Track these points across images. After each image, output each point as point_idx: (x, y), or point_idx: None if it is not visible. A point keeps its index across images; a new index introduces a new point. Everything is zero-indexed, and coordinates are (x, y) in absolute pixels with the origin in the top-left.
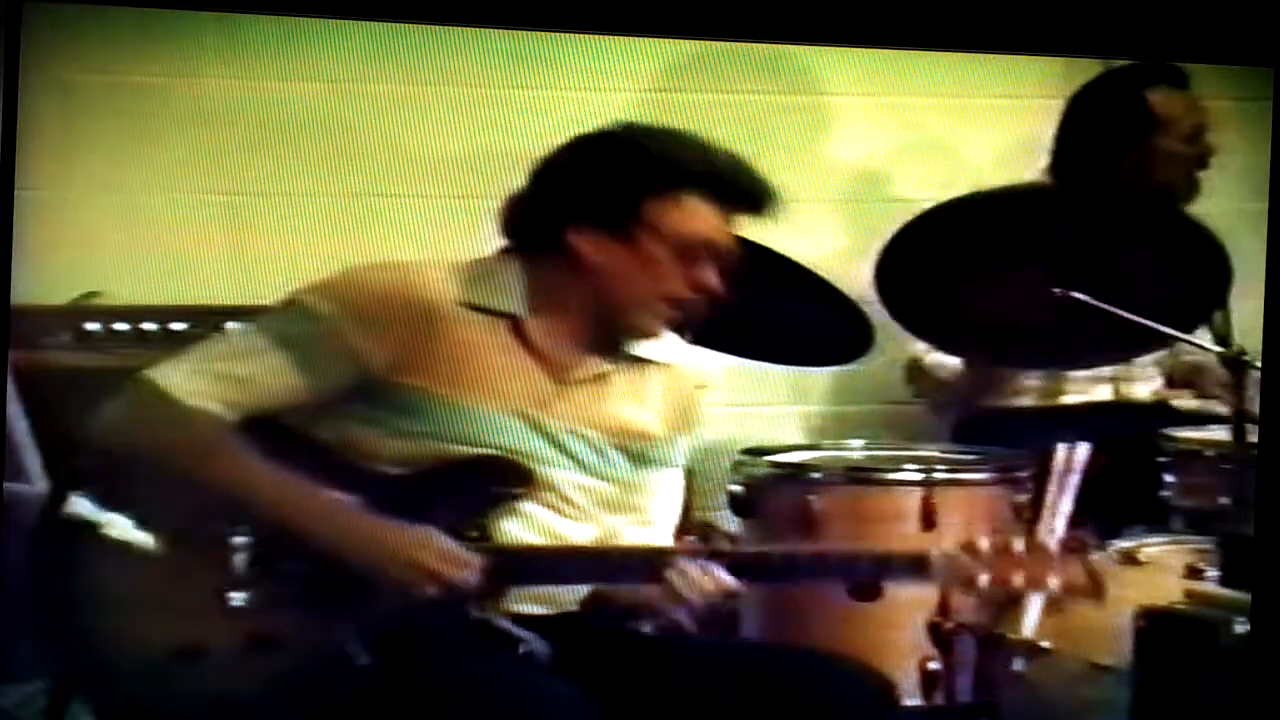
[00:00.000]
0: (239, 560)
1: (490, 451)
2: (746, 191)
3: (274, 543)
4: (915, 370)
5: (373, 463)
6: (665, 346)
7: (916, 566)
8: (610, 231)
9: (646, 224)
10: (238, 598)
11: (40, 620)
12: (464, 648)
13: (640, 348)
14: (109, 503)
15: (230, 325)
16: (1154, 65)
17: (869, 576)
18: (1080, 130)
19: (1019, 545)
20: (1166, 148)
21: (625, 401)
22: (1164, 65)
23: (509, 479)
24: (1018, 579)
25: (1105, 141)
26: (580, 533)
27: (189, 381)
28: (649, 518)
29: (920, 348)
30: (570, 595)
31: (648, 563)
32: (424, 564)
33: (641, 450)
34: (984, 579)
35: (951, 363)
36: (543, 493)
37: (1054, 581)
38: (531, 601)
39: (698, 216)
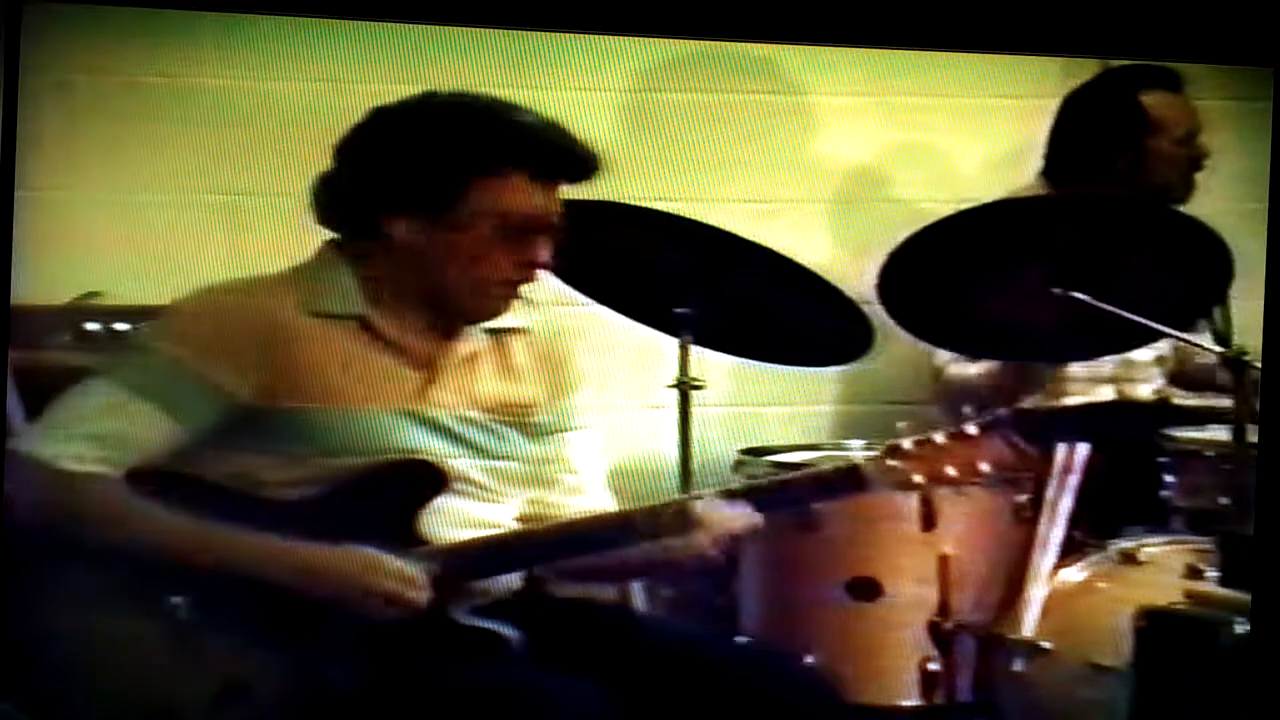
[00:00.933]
0: (182, 612)
1: (395, 455)
2: (565, 160)
3: (212, 588)
4: (940, 381)
5: (273, 491)
6: (520, 314)
7: (852, 479)
8: (429, 216)
9: (465, 207)
10: (194, 651)
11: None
12: (442, 651)
13: (496, 320)
14: (47, 571)
15: (89, 381)
16: (1148, 67)
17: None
18: (1074, 132)
19: (941, 438)
20: (1160, 150)
21: (499, 377)
22: (1158, 67)
23: (424, 478)
24: (949, 469)
25: (1099, 143)
26: (503, 514)
27: (65, 447)
28: (573, 484)
29: (943, 358)
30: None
31: (653, 521)
32: (374, 586)
33: (532, 421)
34: (918, 477)
35: (974, 371)
36: (455, 484)
37: (985, 465)
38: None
39: (518, 193)
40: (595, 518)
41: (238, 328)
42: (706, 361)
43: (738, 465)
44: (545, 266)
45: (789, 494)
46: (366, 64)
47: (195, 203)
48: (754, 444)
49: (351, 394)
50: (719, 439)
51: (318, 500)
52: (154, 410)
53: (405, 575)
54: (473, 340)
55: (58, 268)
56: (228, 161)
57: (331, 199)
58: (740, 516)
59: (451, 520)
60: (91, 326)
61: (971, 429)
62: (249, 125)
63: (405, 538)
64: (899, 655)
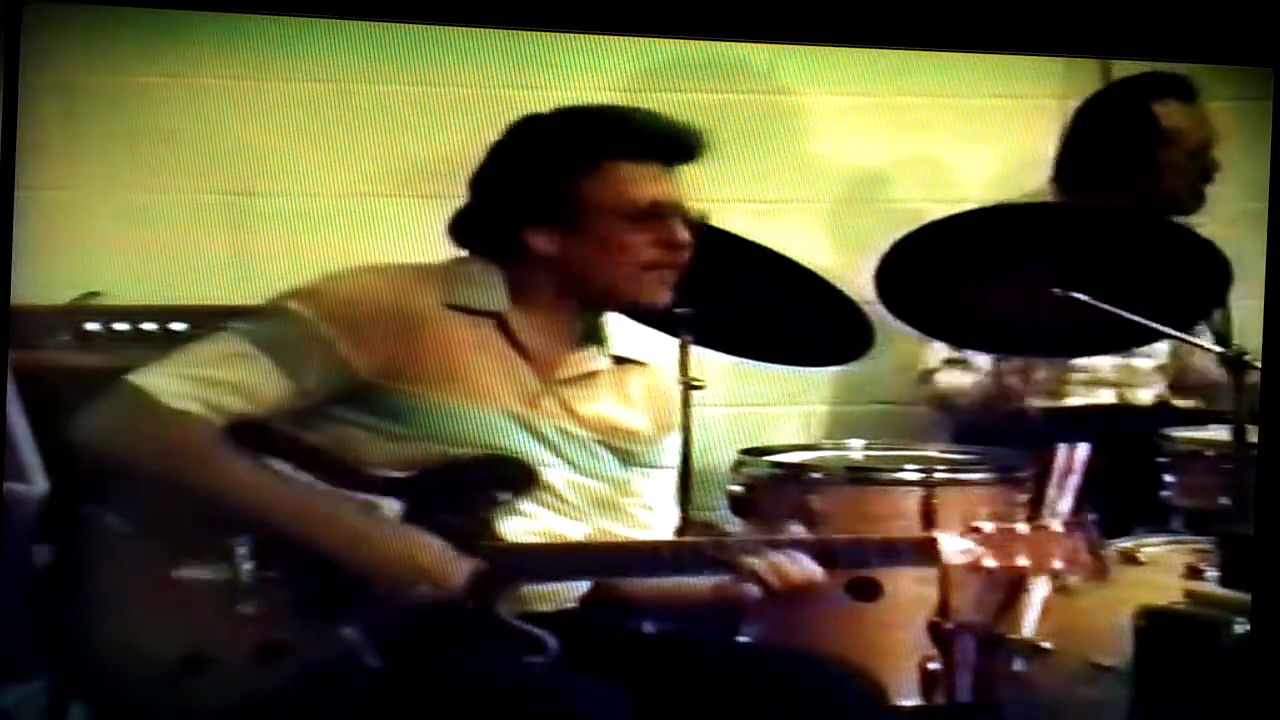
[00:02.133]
0: (241, 566)
1: (493, 451)
2: (669, 140)
3: (272, 547)
4: (929, 383)
5: (369, 466)
6: (646, 347)
7: (926, 553)
8: (560, 223)
9: (589, 205)
10: (242, 605)
11: (40, 624)
12: (475, 646)
13: (623, 348)
14: (110, 508)
15: (215, 329)
16: (1163, 76)
17: (898, 562)
18: (1086, 140)
19: (1022, 527)
20: (1172, 161)
21: (612, 400)
22: (1173, 77)
23: (512, 478)
24: (1022, 560)
25: (1111, 152)
26: (574, 530)
27: (174, 385)
28: (640, 520)
29: (933, 360)
30: (570, 592)
31: (712, 552)
32: (415, 566)
33: (629, 449)
34: (989, 561)
35: (968, 381)
36: (538, 491)
37: (1058, 562)
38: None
39: (632, 180)
40: (659, 542)
41: (375, 307)
42: (706, 361)
43: (738, 465)
44: (686, 245)
45: (858, 553)
46: (366, 64)
47: (195, 203)
48: (754, 444)
49: (468, 387)
50: (719, 439)
51: (407, 481)
52: (274, 367)
53: (450, 561)
54: (596, 360)
55: (58, 268)
56: (228, 161)
57: (470, 229)
58: (804, 568)
59: (526, 526)
60: (91, 326)
61: (1056, 525)
62: (249, 125)
63: (479, 531)
64: (899, 655)
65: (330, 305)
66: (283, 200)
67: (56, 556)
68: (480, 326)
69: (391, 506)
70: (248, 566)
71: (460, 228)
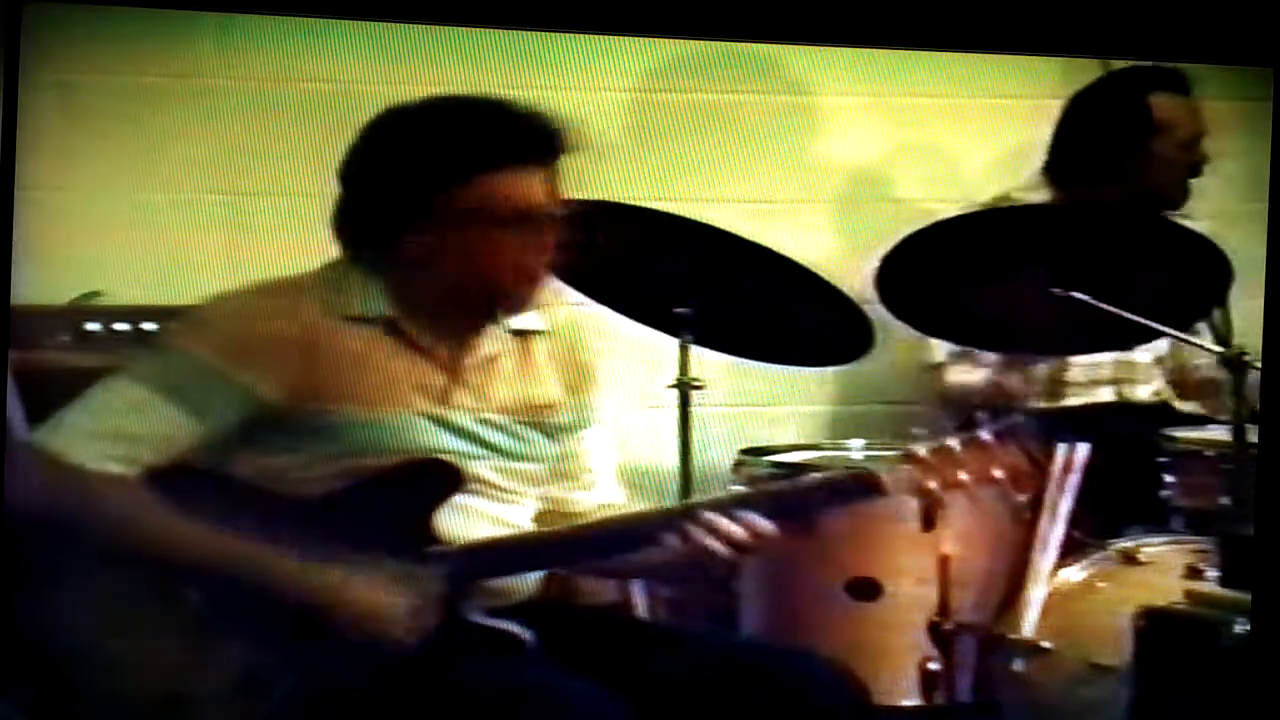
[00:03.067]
0: (198, 606)
1: (414, 455)
2: (539, 141)
3: (226, 589)
4: (939, 384)
5: (295, 489)
6: (540, 314)
7: (866, 486)
8: (434, 227)
9: (462, 212)
10: (212, 641)
11: (16, 659)
12: (453, 651)
13: (519, 321)
14: (61, 557)
15: (110, 379)
16: (1157, 69)
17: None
18: (1078, 130)
19: (955, 444)
20: (1163, 153)
21: (521, 377)
22: (1167, 70)
23: (440, 479)
24: (964, 475)
25: (1102, 143)
26: (520, 514)
27: (84, 445)
28: (587, 480)
29: (939, 355)
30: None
31: (662, 525)
32: (362, 622)
33: (551, 422)
34: (932, 484)
35: (978, 378)
36: (473, 484)
37: (999, 471)
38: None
39: (504, 188)
40: (607, 521)
41: (265, 329)
42: (706, 361)
43: (738, 465)
44: (551, 247)
45: (801, 500)
46: (367, 64)
47: (195, 203)
48: (754, 444)
49: (376, 395)
50: (719, 439)
51: (337, 497)
52: (178, 410)
53: (416, 599)
54: (495, 342)
55: (58, 268)
56: (228, 161)
57: (345, 225)
58: (751, 524)
59: (469, 520)
60: (91, 326)
61: (986, 435)
62: (249, 125)
63: (421, 536)
64: (899, 655)
65: (219, 337)
66: (283, 200)
67: (19, 599)
68: (373, 332)
69: (336, 523)
70: (199, 606)
71: (338, 223)
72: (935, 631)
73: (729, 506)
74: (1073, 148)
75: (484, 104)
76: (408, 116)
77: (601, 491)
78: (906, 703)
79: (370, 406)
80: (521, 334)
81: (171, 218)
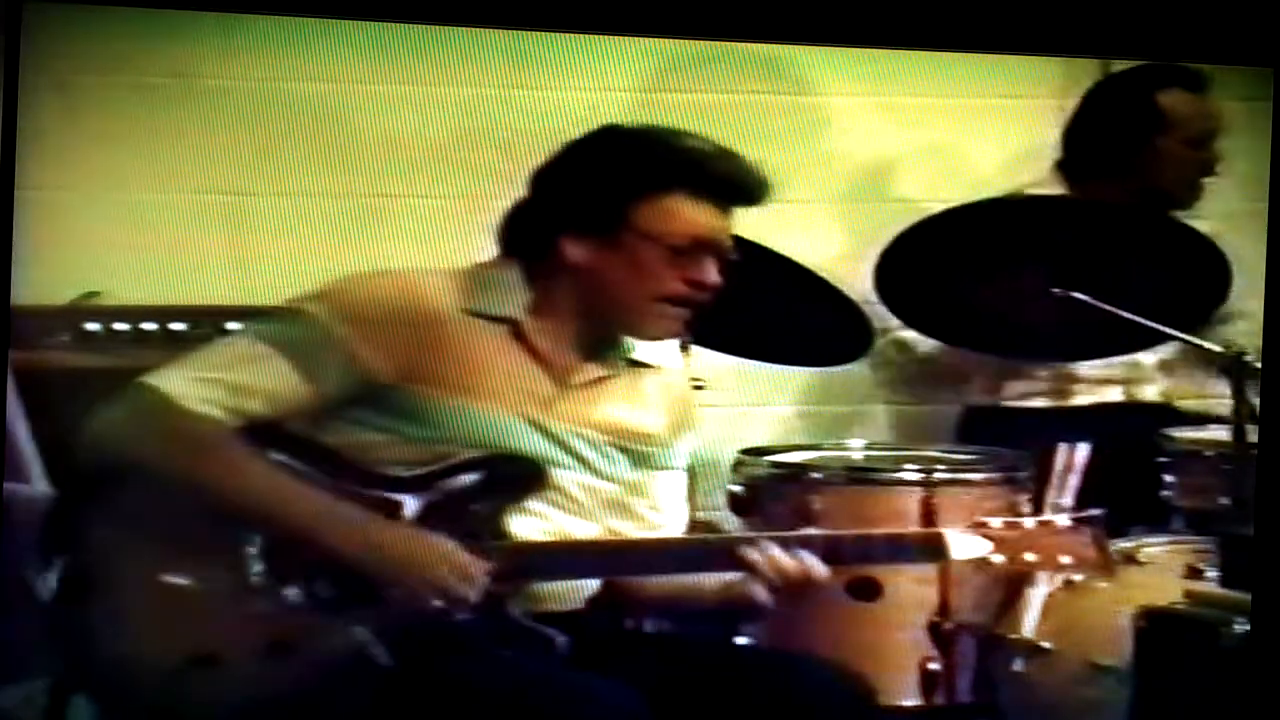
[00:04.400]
0: (251, 567)
1: (502, 452)
2: (735, 184)
3: (284, 548)
4: (889, 339)
5: (382, 466)
6: (661, 351)
7: (932, 549)
8: (601, 237)
9: (635, 227)
10: (251, 605)
11: (47, 622)
12: (486, 645)
13: (639, 352)
14: (121, 508)
15: (232, 331)
16: (1173, 66)
17: (914, 558)
18: (1090, 126)
19: (1029, 522)
20: (1169, 149)
21: (625, 404)
22: (1181, 67)
23: (522, 479)
24: (1029, 556)
25: (1112, 139)
26: (584, 530)
27: (192, 388)
28: (651, 520)
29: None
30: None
31: (719, 552)
32: (428, 572)
33: (641, 451)
34: (998, 558)
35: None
36: (549, 493)
37: (1065, 558)
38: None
39: (686, 215)
40: (666, 540)
41: (396, 310)
42: (706, 361)
43: (738, 465)
44: (715, 287)
45: (866, 550)
46: (366, 64)
47: (195, 203)
48: (754, 444)
49: (484, 391)
50: (719, 439)
51: (420, 480)
52: (292, 370)
53: (464, 570)
54: (609, 366)
55: (58, 268)
56: (228, 161)
57: (515, 224)
58: (809, 566)
59: (536, 526)
60: (91, 326)
61: (1063, 521)
62: (249, 125)
63: (489, 530)
64: (899, 655)
65: (348, 308)
66: (283, 200)
67: (66, 554)
68: (497, 332)
69: (410, 506)
70: (258, 567)
71: (506, 222)
72: (935, 631)
73: (791, 544)
74: (1084, 144)
75: (695, 136)
76: (617, 135)
77: (662, 533)
78: (906, 703)
79: (475, 400)
80: (636, 365)
81: (171, 218)
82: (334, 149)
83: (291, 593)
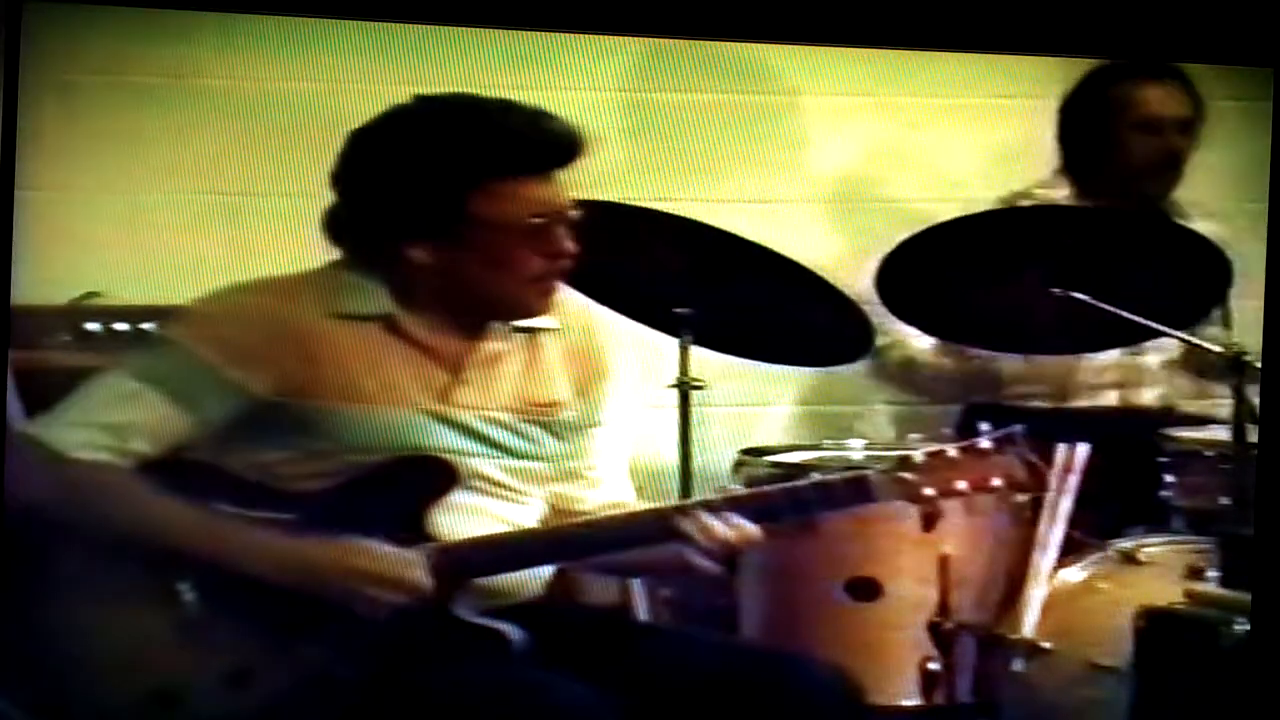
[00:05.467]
0: (187, 600)
1: (408, 452)
2: (557, 148)
3: (213, 578)
4: (894, 348)
5: (290, 483)
6: (551, 313)
7: (860, 490)
8: (443, 238)
9: (475, 220)
10: (199, 635)
11: (15, 654)
12: (444, 648)
13: (526, 321)
14: (52, 551)
15: (106, 370)
16: (1139, 60)
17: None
18: (1064, 126)
19: (953, 451)
20: (1122, 136)
21: (526, 376)
22: (1150, 60)
23: (434, 475)
24: (960, 483)
25: (1080, 135)
26: (525, 514)
27: (73, 434)
28: (593, 478)
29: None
30: (533, 582)
31: (654, 525)
32: (368, 574)
33: (557, 420)
34: (928, 490)
35: (926, 343)
36: (475, 482)
37: (996, 480)
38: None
39: (522, 194)
40: (599, 520)
41: (258, 327)
42: (706, 361)
43: (737, 466)
44: (570, 254)
45: (795, 503)
46: (366, 64)
47: (195, 203)
48: (754, 444)
49: (375, 393)
50: (719, 439)
51: (331, 493)
52: (168, 403)
53: (398, 562)
54: (501, 339)
55: (58, 268)
56: (228, 161)
57: (343, 230)
58: (741, 528)
59: (473, 519)
60: (91, 326)
61: (985, 443)
62: (249, 125)
63: (415, 533)
64: (899, 655)
65: (212, 331)
66: (283, 200)
67: (14, 594)
68: (372, 330)
69: (325, 518)
70: (191, 600)
71: (333, 228)
72: (935, 631)
73: (720, 508)
74: (1067, 144)
75: (493, 106)
76: (412, 119)
77: (609, 490)
78: (906, 703)
79: (368, 404)
80: (529, 331)
81: (171, 218)
82: (334, 149)
83: (236, 621)
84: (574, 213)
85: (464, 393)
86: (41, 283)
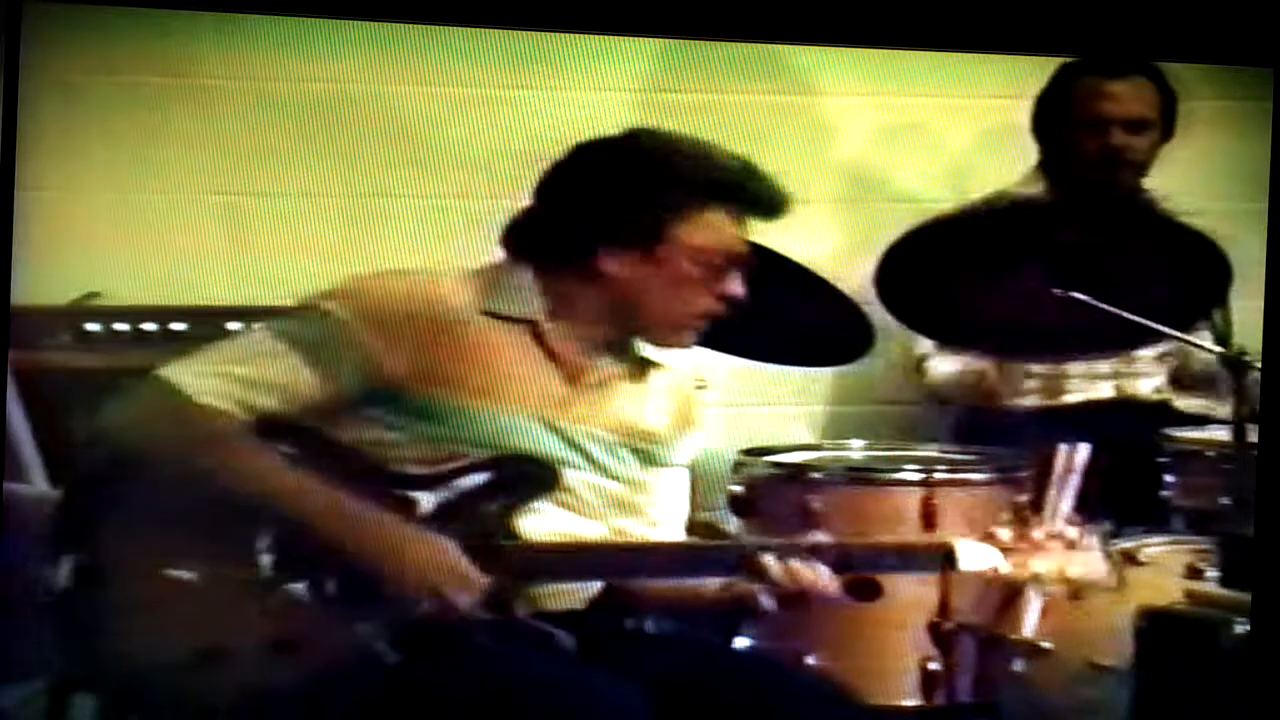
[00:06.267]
0: (260, 562)
1: (515, 452)
2: (762, 199)
3: (293, 544)
4: (922, 374)
5: (395, 464)
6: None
7: (941, 559)
8: (640, 251)
9: (674, 243)
10: (259, 600)
11: (51, 620)
12: (493, 643)
13: (648, 350)
14: (129, 502)
15: (247, 327)
16: (1099, 58)
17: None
18: (1037, 124)
19: (1038, 533)
20: (1073, 135)
21: (633, 402)
22: (1110, 56)
23: (534, 480)
24: (1038, 566)
25: (1049, 133)
26: (591, 531)
27: (203, 381)
28: (654, 517)
29: (925, 347)
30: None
31: (729, 555)
32: (430, 576)
33: (649, 449)
34: (1005, 568)
35: (956, 368)
36: (559, 493)
37: (1074, 570)
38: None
39: (718, 230)
40: (672, 544)
41: (411, 310)
42: (706, 361)
43: (738, 466)
44: (737, 299)
45: (875, 561)
46: (366, 64)
47: (195, 202)
48: (754, 444)
49: (497, 391)
50: (719, 439)
51: (433, 478)
52: (308, 367)
53: (462, 576)
54: (622, 364)
55: (58, 268)
56: (228, 161)
57: (540, 229)
58: (821, 576)
59: (544, 526)
60: (91, 326)
61: (1071, 532)
62: (249, 125)
63: (499, 530)
64: (899, 655)
65: (366, 308)
66: (283, 200)
67: (73, 551)
68: (513, 332)
69: (422, 504)
70: (266, 562)
71: (522, 232)
72: (935, 631)
73: (801, 551)
74: (1039, 140)
75: (715, 148)
76: (636, 141)
77: (666, 533)
78: (906, 703)
79: (490, 401)
80: (645, 362)
81: (171, 218)
82: (334, 149)
83: (298, 589)
84: (751, 266)
85: (578, 407)
86: (41, 283)
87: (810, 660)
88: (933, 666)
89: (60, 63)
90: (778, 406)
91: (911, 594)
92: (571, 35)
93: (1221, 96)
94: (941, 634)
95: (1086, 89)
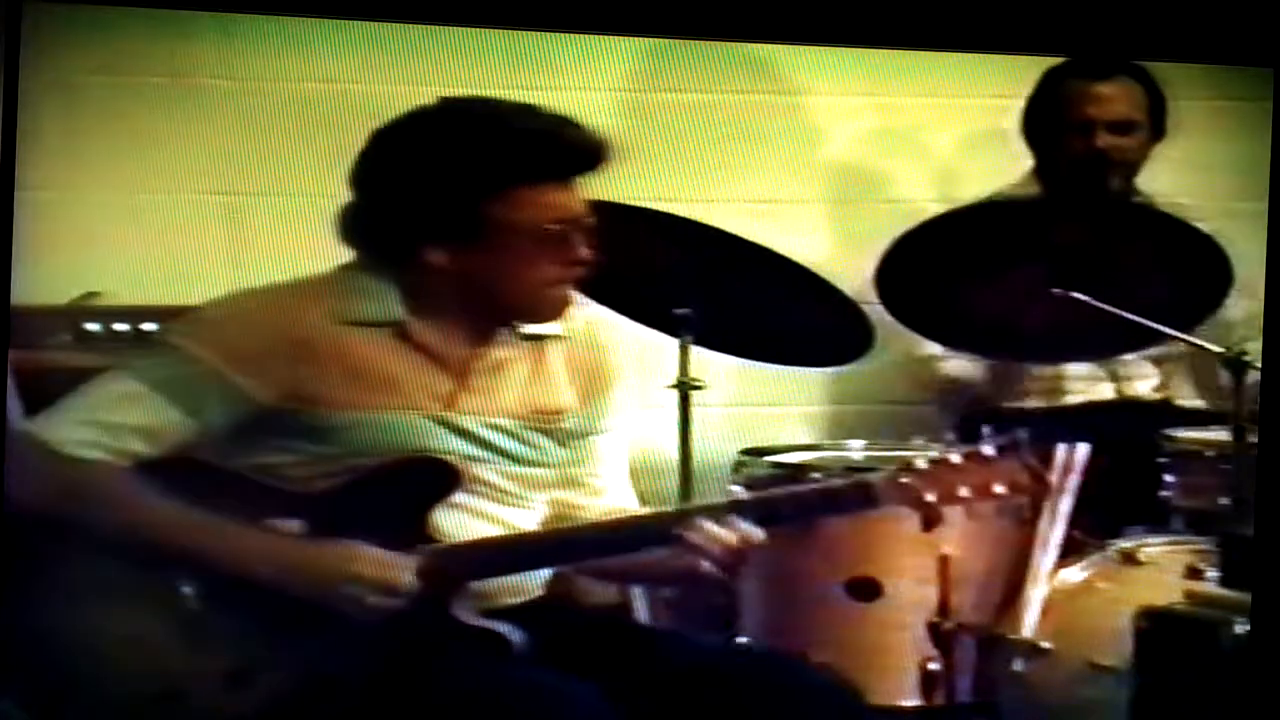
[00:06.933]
0: (187, 600)
1: (412, 454)
2: (577, 155)
3: (214, 579)
4: (925, 372)
5: (292, 484)
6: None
7: (862, 496)
8: (460, 241)
9: (496, 224)
10: (198, 636)
11: (16, 654)
12: (443, 648)
13: (533, 326)
14: (49, 551)
15: (111, 369)
16: (1088, 59)
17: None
18: (1028, 126)
19: (956, 457)
20: (1066, 139)
21: (532, 383)
22: (1106, 57)
23: (436, 479)
24: (963, 490)
25: (1039, 136)
26: (528, 518)
27: (72, 431)
28: (596, 486)
29: (930, 350)
30: (532, 583)
31: (655, 530)
32: (356, 576)
33: (561, 427)
34: (930, 496)
35: (965, 366)
36: (478, 487)
37: (999, 487)
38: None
39: (544, 201)
40: (600, 524)
41: (264, 334)
42: (706, 361)
43: (738, 466)
44: (587, 261)
45: (798, 507)
46: (366, 64)
47: (195, 203)
48: (754, 444)
49: (380, 398)
50: (719, 439)
51: (333, 494)
52: (170, 406)
53: (385, 565)
54: (507, 346)
55: (58, 268)
56: (228, 161)
57: (360, 230)
58: (744, 532)
59: (473, 522)
60: (91, 326)
61: (988, 449)
62: (249, 125)
63: (416, 535)
64: (899, 655)
65: (217, 337)
66: (283, 200)
67: (15, 593)
68: (380, 337)
69: (325, 520)
70: (193, 599)
71: (348, 227)
72: (935, 631)
73: (723, 512)
74: (1030, 143)
75: (517, 110)
76: (434, 121)
77: (612, 498)
78: (906, 703)
79: (373, 409)
80: (535, 338)
81: (171, 218)
82: (334, 149)
83: (236, 620)
84: (591, 220)
85: (469, 399)
86: (41, 283)
87: (811, 659)
88: (933, 666)
89: (60, 63)
90: (778, 406)
91: (911, 594)
92: (569, 35)
93: (1221, 96)
94: (941, 634)
95: (1072, 92)
